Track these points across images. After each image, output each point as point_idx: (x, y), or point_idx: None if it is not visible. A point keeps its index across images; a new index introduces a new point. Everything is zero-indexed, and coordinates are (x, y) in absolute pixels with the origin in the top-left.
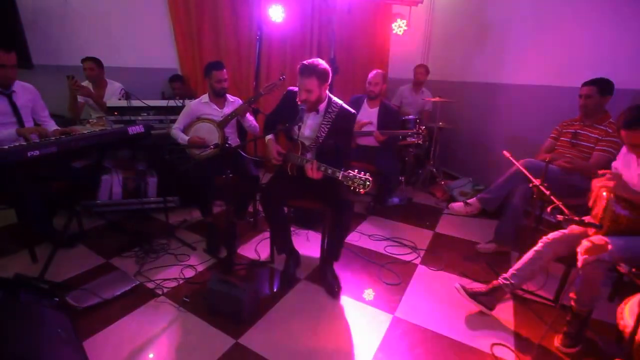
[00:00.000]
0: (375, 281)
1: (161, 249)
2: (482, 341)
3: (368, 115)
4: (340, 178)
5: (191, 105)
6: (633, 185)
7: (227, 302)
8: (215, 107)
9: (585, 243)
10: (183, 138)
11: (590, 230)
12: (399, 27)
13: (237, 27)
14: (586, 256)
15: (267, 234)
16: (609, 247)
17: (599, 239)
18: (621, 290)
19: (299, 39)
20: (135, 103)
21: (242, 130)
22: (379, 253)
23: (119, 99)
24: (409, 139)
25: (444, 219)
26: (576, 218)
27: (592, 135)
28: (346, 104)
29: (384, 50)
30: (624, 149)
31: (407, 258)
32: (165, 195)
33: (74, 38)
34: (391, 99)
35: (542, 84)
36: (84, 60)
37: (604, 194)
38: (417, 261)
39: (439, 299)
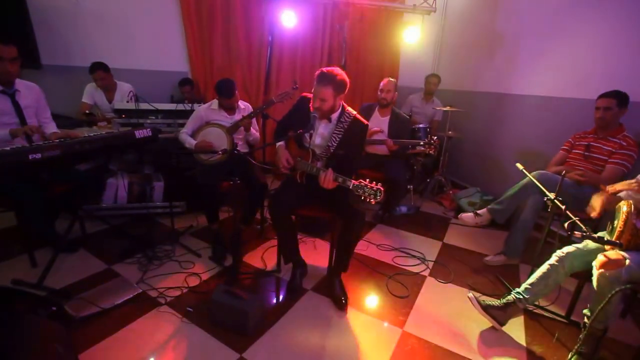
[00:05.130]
0: (384, 293)
1: (165, 255)
2: (494, 359)
3: (379, 123)
4: (351, 188)
5: (200, 110)
6: None
7: (232, 315)
8: (225, 113)
9: (601, 257)
10: (190, 143)
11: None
12: (411, 35)
13: (248, 32)
14: (602, 271)
15: (273, 242)
16: (627, 262)
17: (616, 253)
18: (634, 307)
19: (310, 45)
20: (144, 106)
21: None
22: (387, 264)
23: (127, 101)
24: (418, 148)
25: (452, 229)
26: (595, 235)
27: (606, 147)
28: (357, 112)
29: (395, 58)
30: None
31: (416, 269)
32: (171, 200)
33: (85, 39)
34: (401, 107)
35: (552, 96)
36: (93, 70)
37: (624, 207)
38: (426, 273)
39: (448, 312)
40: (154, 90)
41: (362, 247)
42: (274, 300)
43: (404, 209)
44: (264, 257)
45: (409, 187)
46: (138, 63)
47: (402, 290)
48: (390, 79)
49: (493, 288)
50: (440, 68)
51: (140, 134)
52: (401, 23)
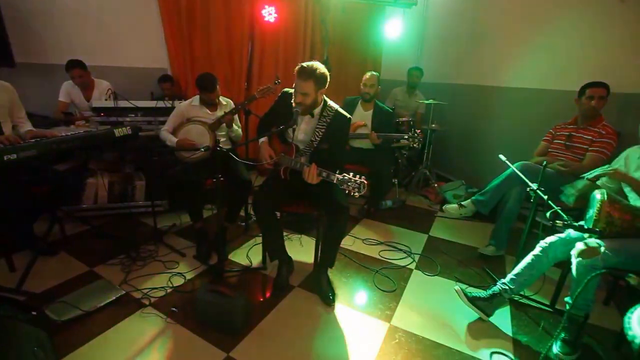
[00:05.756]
0: (371, 288)
1: (149, 255)
2: (481, 349)
3: (362, 117)
4: (335, 182)
5: (181, 107)
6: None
7: (218, 314)
8: (207, 110)
9: (578, 246)
10: (172, 140)
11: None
12: (392, 29)
13: (229, 26)
14: (579, 259)
15: (259, 239)
16: (602, 249)
17: (592, 241)
18: (616, 294)
19: (292, 39)
20: (123, 104)
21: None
22: (374, 258)
23: (106, 99)
24: (402, 141)
25: (438, 221)
26: (575, 224)
27: (586, 137)
28: (340, 105)
29: (377, 52)
30: (625, 153)
31: (402, 263)
32: (153, 199)
33: (61, 35)
34: (385, 100)
35: (533, 87)
36: (69, 68)
37: (598, 196)
38: (412, 266)
39: (435, 305)
40: (133, 88)
41: (348, 242)
42: (261, 298)
43: (389, 203)
44: (249, 254)
45: (394, 180)
46: (116, 60)
47: (389, 284)
48: (373, 73)
49: (480, 280)
50: (423, 61)
51: (119, 132)
52: (383, 16)
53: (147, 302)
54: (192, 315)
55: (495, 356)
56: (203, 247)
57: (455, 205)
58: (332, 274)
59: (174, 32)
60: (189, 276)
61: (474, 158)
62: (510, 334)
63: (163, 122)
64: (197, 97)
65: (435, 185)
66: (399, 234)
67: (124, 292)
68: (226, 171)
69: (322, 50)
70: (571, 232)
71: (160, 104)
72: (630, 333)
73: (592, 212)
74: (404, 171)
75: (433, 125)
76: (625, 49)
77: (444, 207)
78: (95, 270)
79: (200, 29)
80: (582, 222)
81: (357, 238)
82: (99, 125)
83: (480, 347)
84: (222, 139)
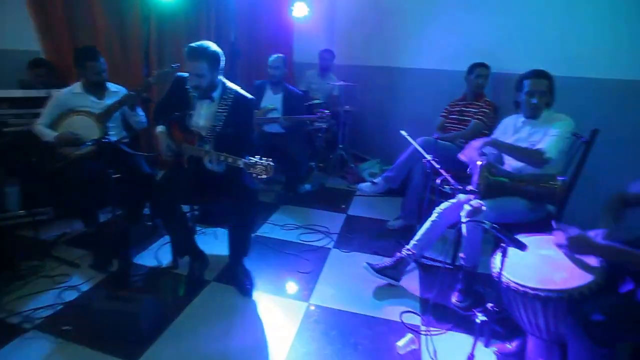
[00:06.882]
0: (289, 272)
1: (31, 272)
2: (392, 312)
3: (272, 101)
4: (242, 166)
5: (60, 96)
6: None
7: (120, 322)
8: (93, 98)
9: (465, 207)
10: (49, 135)
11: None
12: (298, 10)
13: (118, 3)
14: (467, 219)
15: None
16: (483, 208)
17: (476, 202)
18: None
19: (194, 20)
20: None
21: (129, 123)
22: (293, 242)
23: None
24: (315, 124)
25: (356, 200)
26: (460, 187)
27: (472, 110)
28: (249, 90)
29: (287, 34)
30: (503, 122)
31: (320, 244)
32: (32, 207)
33: None
34: (299, 84)
35: (433, 68)
36: None
37: (479, 163)
38: (330, 245)
39: (351, 279)
40: None
41: (267, 230)
42: (172, 298)
43: (308, 186)
44: (157, 255)
45: (311, 164)
46: None
47: (307, 265)
48: (279, 55)
49: (393, 251)
50: (335, 43)
51: None
52: None
53: (29, 326)
54: (90, 330)
55: (404, 315)
56: (101, 255)
57: (368, 183)
58: (249, 263)
59: (42, 6)
60: (84, 288)
61: (387, 136)
62: (418, 294)
63: (38, 115)
64: (79, 83)
65: (353, 165)
66: (319, 216)
67: None
68: (123, 166)
69: (229, 32)
70: (461, 198)
71: (31, 93)
72: (494, 271)
73: (475, 177)
74: (322, 154)
75: (347, 107)
76: (502, 33)
77: (358, 186)
78: None
79: (78, 4)
80: (468, 186)
81: (276, 225)
82: None
83: (392, 310)
84: (113, 132)
